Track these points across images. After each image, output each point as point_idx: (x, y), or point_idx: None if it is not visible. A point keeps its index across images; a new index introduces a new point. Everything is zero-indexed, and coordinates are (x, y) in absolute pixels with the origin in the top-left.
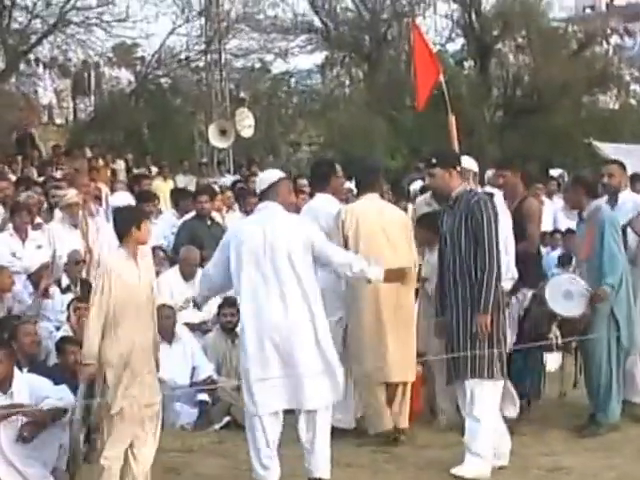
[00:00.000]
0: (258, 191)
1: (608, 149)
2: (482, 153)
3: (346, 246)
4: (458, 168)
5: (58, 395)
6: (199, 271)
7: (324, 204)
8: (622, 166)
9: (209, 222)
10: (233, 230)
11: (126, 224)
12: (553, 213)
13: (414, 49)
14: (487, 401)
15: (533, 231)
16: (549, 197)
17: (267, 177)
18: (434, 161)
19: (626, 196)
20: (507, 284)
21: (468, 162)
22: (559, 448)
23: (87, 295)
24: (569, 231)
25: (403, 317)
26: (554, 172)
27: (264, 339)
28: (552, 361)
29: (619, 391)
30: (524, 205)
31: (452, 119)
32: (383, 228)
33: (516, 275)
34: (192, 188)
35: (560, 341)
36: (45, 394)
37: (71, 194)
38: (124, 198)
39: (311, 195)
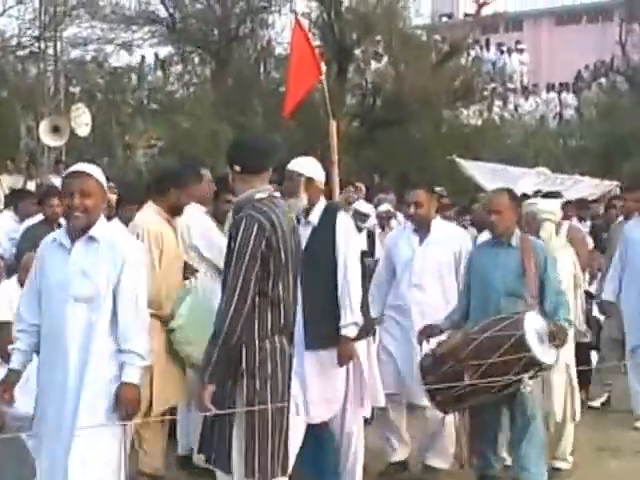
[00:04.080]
0: None
1: (472, 167)
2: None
3: None
4: (237, 168)
5: None
6: None
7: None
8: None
9: (57, 228)
10: None
11: None
12: None
13: (293, 46)
14: None
15: None
16: None
17: None
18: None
19: (438, 227)
20: (349, 331)
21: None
22: None
23: None
24: None
25: None
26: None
27: None
28: None
29: None
30: None
31: (333, 124)
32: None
33: (359, 320)
34: None
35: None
36: None
37: None
38: None
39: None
